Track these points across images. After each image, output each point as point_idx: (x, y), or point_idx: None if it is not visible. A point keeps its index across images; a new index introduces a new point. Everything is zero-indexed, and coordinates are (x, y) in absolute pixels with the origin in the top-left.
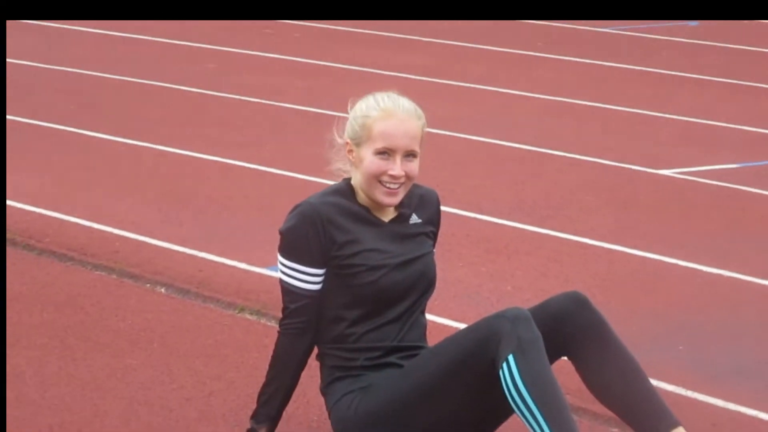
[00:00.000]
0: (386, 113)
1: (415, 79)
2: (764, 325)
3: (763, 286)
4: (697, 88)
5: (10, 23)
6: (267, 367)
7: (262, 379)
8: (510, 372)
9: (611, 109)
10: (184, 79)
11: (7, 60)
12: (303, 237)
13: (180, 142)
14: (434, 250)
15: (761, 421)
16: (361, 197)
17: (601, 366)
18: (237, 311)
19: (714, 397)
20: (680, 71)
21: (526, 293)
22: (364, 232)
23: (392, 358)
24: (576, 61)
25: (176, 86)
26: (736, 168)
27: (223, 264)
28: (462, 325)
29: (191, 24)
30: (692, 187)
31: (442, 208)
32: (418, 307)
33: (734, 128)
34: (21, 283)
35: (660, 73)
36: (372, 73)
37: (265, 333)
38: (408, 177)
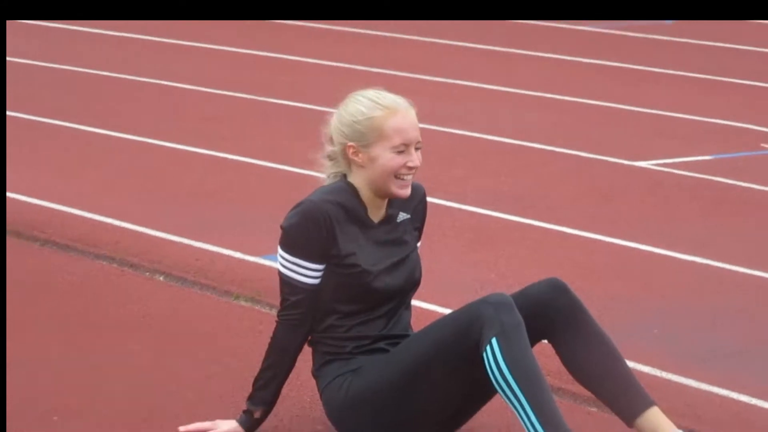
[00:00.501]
0: (391, 110)
1: (399, 75)
2: (737, 310)
3: (737, 272)
4: (673, 83)
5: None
6: (262, 351)
7: (257, 363)
8: (493, 354)
9: (590, 104)
10: (178, 76)
11: (10, 59)
12: (305, 234)
13: (176, 136)
14: (419, 244)
15: (733, 400)
16: (364, 195)
17: (580, 349)
18: (232, 298)
19: (687, 378)
20: (656, 67)
21: (509, 280)
22: (359, 233)
23: (381, 344)
24: (556, 58)
25: (168, 83)
26: (711, 159)
27: (219, 253)
28: (447, 311)
29: (183, 23)
30: (669, 178)
31: (430, 199)
32: (404, 302)
33: (709, 122)
34: (26, 272)
35: (637, 69)
36: (356, 69)
37: (259, 319)
38: (419, 165)
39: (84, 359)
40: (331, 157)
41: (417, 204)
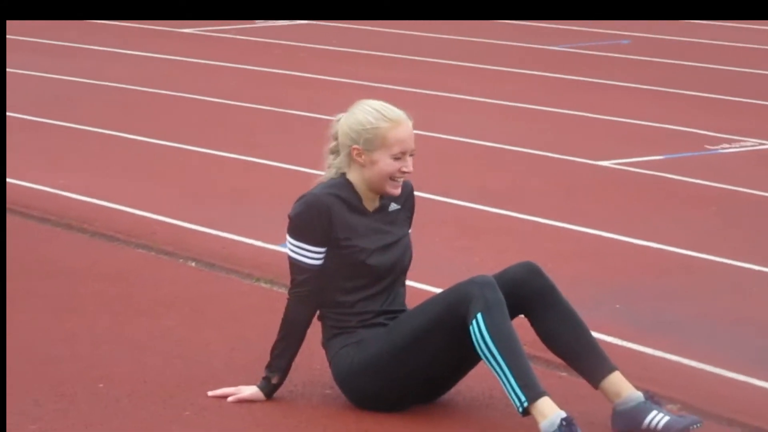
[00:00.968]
0: (394, 123)
1: (398, 90)
2: (683, 287)
3: (684, 255)
4: (630, 94)
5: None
6: (278, 326)
7: (275, 337)
8: (479, 327)
9: (560, 113)
10: (208, 91)
11: (61, 76)
12: (308, 221)
13: (207, 143)
14: (410, 231)
15: (682, 365)
16: (359, 189)
17: (552, 322)
18: (254, 281)
19: (644, 346)
20: (616, 81)
21: (490, 263)
22: (356, 220)
23: (380, 319)
24: (531, 74)
25: (203, 97)
26: (661, 159)
27: (243, 242)
28: (438, 290)
29: (208, 42)
30: (625, 175)
31: (421, 194)
32: (399, 279)
33: (659, 127)
34: (76, 260)
35: (599, 83)
36: (362, 85)
37: (277, 298)
38: (411, 171)
39: (126, 334)
40: (332, 151)
41: (406, 197)
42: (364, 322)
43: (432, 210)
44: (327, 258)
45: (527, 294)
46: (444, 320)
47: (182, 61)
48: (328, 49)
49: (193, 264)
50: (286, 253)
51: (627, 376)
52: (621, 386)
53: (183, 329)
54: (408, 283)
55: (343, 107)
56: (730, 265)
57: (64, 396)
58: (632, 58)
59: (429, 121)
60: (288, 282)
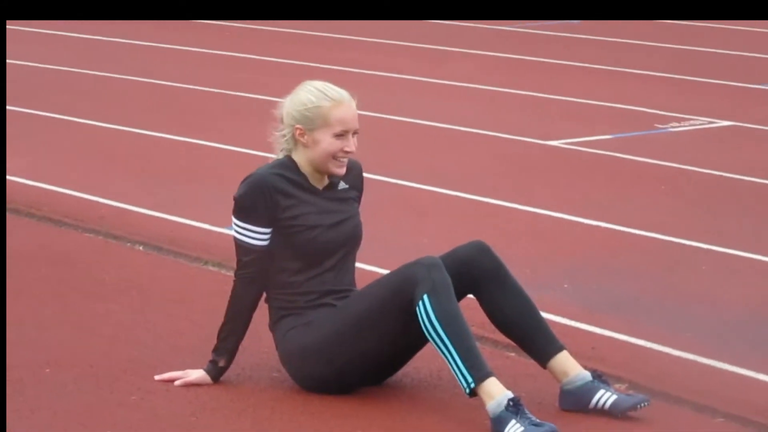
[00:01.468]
0: (337, 102)
1: (347, 71)
2: (634, 266)
3: (632, 234)
4: (579, 74)
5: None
6: (225, 309)
7: (222, 320)
8: (425, 309)
9: (508, 92)
10: (160, 74)
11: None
12: (252, 202)
13: (154, 126)
14: (359, 211)
15: (630, 344)
16: (304, 169)
17: (500, 302)
18: (202, 264)
19: (592, 326)
20: (565, 60)
21: (440, 244)
22: (303, 198)
23: (328, 299)
24: (480, 54)
25: (151, 80)
26: (611, 138)
27: (190, 225)
28: (385, 271)
29: (156, 25)
30: (575, 154)
31: (371, 175)
32: (348, 258)
33: (609, 106)
34: (23, 244)
35: (549, 63)
36: (312, 66)
37: (224, 281)
38: (354, 150)
39: (72, 318)
40: (281, 133)
41: (355, 176)
42: (311, 303)
43: (382, 191)
44: (273, 238)
45: (476, 273)
46: (391, 302)
47: (130, 43)
48: (277, 31)
49: (141, 248)
50: (232, 236)
51: (575, 355)
52: (568, 366)
53: (130, 313)
54: (357, 264)
55: (291, 89)
56: (680, 243)
57: (10, 381)
58: (582, 38)
59: (378, 102)
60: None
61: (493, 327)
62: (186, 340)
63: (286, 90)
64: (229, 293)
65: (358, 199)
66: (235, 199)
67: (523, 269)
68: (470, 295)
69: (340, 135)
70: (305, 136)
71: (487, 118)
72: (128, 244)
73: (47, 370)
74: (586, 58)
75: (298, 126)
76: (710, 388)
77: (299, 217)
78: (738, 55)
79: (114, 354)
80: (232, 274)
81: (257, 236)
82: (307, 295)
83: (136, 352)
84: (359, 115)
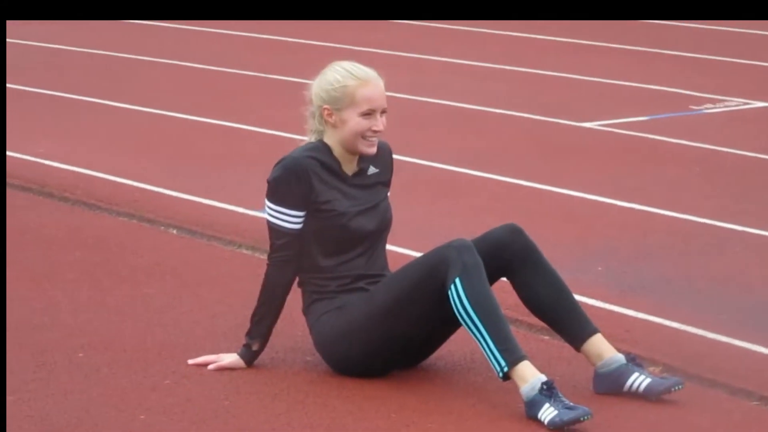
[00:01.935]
0: (363, 81)
1: (378, 53)
2: (666, 248)
3: (666, 216)
4: (614, 55)
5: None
6: (258, 293)
7: (255, 303)
8: (457, 292)
9: (542, 74)
10: (187, 57)
11: (42, 44)
12: (287, 185)
13: (187, 109)
14: (389, 194)
15: (665, 326)
16: (336, 152)
17: (534, 285)
18: (235, 247)
19: (626, 308)
20: (600, 41)
21: (471, 227)
22: (334, 184)
23: (360, 284)
24: (514, 35)
25: (184, 63)
26: (645, 120)
27: (224, 209)
28: (418, 254)
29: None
30: (609, 136)
31: (401, 157)
32: (379, 242)
33: (643, 87)
34: (57, 228)
35: (583, 44)
36: (342, 48)
37: (258, 264)
38: (383, 129)
39: (107, 302)
40: (311, 115)
41: (385, 159)
42: (344, 287)
43: (412, 173)
44: (306, 222)
45: (509, 256)
46: (423, 285)
47: (161, 26)
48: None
49: (174, 231)
50: (265, 218)
51: (609, 338)
52: (602, 348)
53: (163, 297)
54: (388, 247)
55: (318, 72)
56: (713, 225)
57: (43, 365)
58: (615, 20)
59: (410, 83)
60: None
61: (526, 310)
62: (220, 323)
63: (317, 72)
64: (263, 277)
65: (388, 183)
66: (269, 182)
67: (556, 252)
68: (504, 279)
69: (368, 114)
70: (333, 116)
71: (520, 99)
72: (162, 227)
73: (81, 354)
74: (620, 40)
75: (326, 106)
76: (745, 371)
77: (330, 202)
78: None
79: (148, 338)
80: (265, 257)
81: (291, 219)
82: (340, 279)
83: (169, 336)
84: (390, 96)
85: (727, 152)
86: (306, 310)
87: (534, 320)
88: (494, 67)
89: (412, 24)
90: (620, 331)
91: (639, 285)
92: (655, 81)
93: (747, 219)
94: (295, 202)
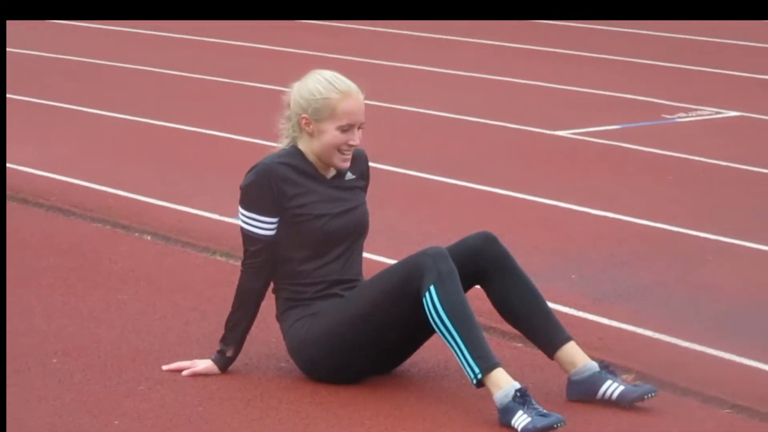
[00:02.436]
0: (345, 94)
1: (350, 60)
2: (641, 256)
3: (641, 225)
4: (587, 64)
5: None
6: (233, 299)
7: (229, 310)
8: (432, 299)
9: (515, 82)
10: (164, 63)
11: (17, 50)
12: (259, 191)
13: (163, 116)
14: (366, 200)
15: (638, 334)
16: (310, 158)
17: (508, 292)
18: (210, 254)
19: (600, 316)
20: (573, 50)
21: (448, 234)
22: (310, 187)
23: (335, 290)
24: (487, 44)
25: (158, 70)
26: (618, 129)
27: (198, 215)
28: (392, 261)
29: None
30: (583, 144)
31: (378, 165)
32: (355, 247)
33: (616, 96)
34: (32, 233)
35: (555, 52)
36: (314, 55)
37: (232, 271)
38: (359, 144)
39: (81, 308)
40: (287, 119)
41: (361, 165)
42: (319, 293)
43: (388, 181)
44: (280, 228)
45: (483, 263)
46: (398, 292)
47: (138, 33)
48: (284, 23)
49: (149, 237)
50: (239, 225)
51: (582, 346)
52: (576, 356)
53: (138, 303)
54: (365, 254)
55: (299, 78)
56: (688, 234)
57: (17, 371)
58: (588, 27)
59: (384, 91)
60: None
61: (499, 317)
62: (194, 330)
63: (291, 79)
64: (237, 283)
65: (364, 189)
66: (241, 188)
67: (530, 259)
68: (477, 286)
69: (346, 128)
70: (311, 126)
71: (493, 107)
72: (136, 234)
73: (54, 360)
74: (593, 48)
75: (304, 115)
76: (718, 379)
77: (306, 205)
78: (746, 45)
79: (122, 344)
80: (239, 264)
81: (264, 226)
82: (315, 285)
83: (143, 342)
84: (366, 104)
85: (700, 161)
86: (280, 317)
87: (507, 327)
88: (467, 75)
89: (383, 31)
90: (594, 339)
91: (613, 293)
92: (628, 90)
93: (720, 227)
94: (268, 209)
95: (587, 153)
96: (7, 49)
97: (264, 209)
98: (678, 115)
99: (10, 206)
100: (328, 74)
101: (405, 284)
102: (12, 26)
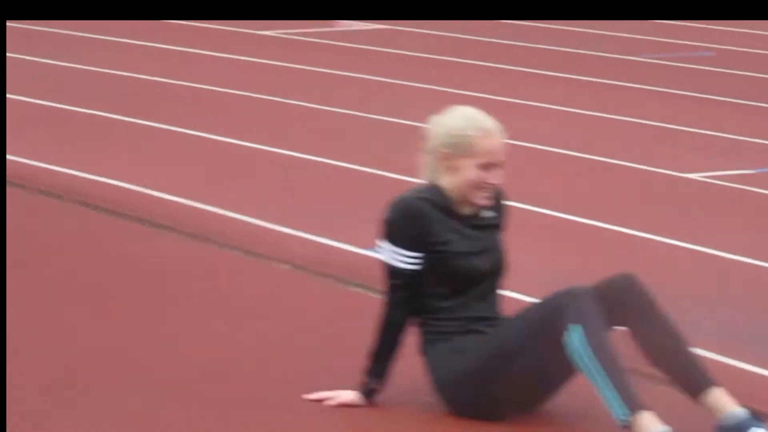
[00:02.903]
0: (486, 132)
1: (485, 98)
2: None
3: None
4: (717, 107)
5: None
6: (376, 331)
7: (371, 341)
8: (578, 339)
9: (646, 124)
10: (300, 96)
11: (140, 75)
12: (402, 226)
13: (298, 147)
14: (503, 238)
15: None
16: (449, 195)
17: (651, 335)
18: (349, 285)
19: (743, 362)
20: (700, 93)
21: (583, 273)
22: (449, 225)
23: (477, 326)
24: (617, 85)
25: (277, 99)
26: (753, 173)
27: (338, 247)
28: (533, 299)
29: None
30: (715, 188)
31: (517, 204)
32: (494, 286)
33: (749, 141)
34: (173, 259)
35: (687, 95)
36: (445, 92)
37: (372, 303)
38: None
39: (220, 335)
40: (426, 157)
41: (499, 204)
42: (461, 329)
43: (522, 219)
44: (424, 262)
45: (627, 305)
46: (541, 331)
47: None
48: (406, 54)
49: (288, 267)
50: (380, 258)
51: (729, 392)
52: (723, 401)
53: (279, 331)
54: (503, 292)
55: (427, 113)
56: None
57: (157, 400)
58: (716, 71)
59: (517, 129)
60: (382, 287)
61: (641, 359)
62: (336, 359)
63: (423, 114)
64: (380, 316)
65: (502, 227)
66: (384, 222)
67: (668, 303)
68: (622, 328)
69: (485, 166)
70: (449, 161)
71: (627, 149)
72: (275, 263)
73: (200, 386)
74: (721, 92)
75: (443, 151)
76: None
77: (447, 243)
78: None
79: (264, 372)
80: (375, 295)
81: (407, 260)
82: (457, 321)
83: (285, 373)
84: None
85: None
86: (424, 351)
87: (649, 370)
88: (600, 116)
89: (520, 70)
90: (737, 385)
91: (755, 338)
92: (762, 135)
93: None
94: (411, 243)
95: (720, 197)
96: (124, 73)
97: (407, 244)
98: None
99: (151, 232)
100: (470, 111)
101: (549, 322)
102: (122, 46)
